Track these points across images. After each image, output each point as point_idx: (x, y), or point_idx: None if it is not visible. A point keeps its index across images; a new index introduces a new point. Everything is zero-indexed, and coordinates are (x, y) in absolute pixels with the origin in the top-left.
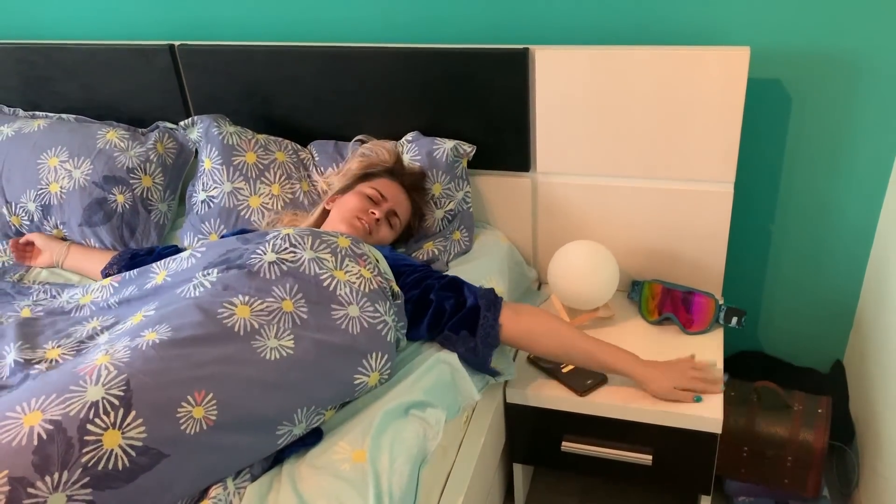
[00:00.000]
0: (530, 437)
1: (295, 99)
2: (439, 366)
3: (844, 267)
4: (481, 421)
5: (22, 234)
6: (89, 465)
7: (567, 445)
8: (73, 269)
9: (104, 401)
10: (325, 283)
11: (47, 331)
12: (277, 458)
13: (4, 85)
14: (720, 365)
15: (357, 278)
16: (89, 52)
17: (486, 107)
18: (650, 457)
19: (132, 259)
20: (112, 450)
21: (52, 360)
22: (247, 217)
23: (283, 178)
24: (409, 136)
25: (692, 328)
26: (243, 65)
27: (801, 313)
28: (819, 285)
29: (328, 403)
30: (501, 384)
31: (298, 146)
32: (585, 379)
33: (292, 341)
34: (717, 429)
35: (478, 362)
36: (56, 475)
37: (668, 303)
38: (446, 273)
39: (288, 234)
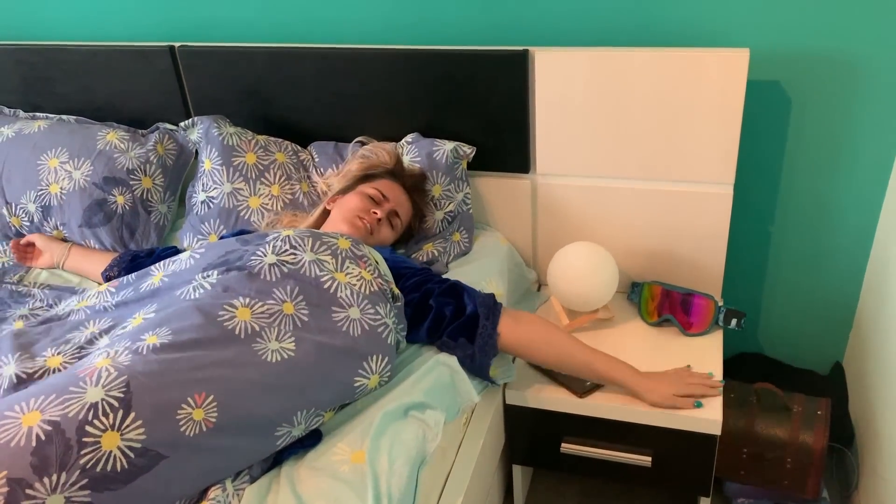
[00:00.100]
0: (530, 438)
1: (295, 100)
2: (439, 367)
3: (844, 268)
4: (481, 422)
5: (22, 235)
6: (87, 466)
7: (566, 447)
8: (73, 270)
9: (104, 402)
10: (326, 286)
11: (43, 339)
12: (276, 460)
13: (5, 86)
14: (719, 367)
15: (358, 280)
16: (90, 53)
17: (485, 108)
18: (649, 458)
19: (132, 261)
20: (111, 451)
21: (54, 369)
22: (246, 217)
23: (282, 178)
24: (408, 138)
25: (692, 330)
26: (243, 66)
27: (801, 315)
28: (819, 287)
29: (328, 405)
30: (501, 385)
31: (298, 147)
32: (584, 380)
33: (293, 343)
34: (716, 430)
35: (476, 369)
36: (54, 477)
37: (667, 304)
38: (446, 277)
39: (288, 236)
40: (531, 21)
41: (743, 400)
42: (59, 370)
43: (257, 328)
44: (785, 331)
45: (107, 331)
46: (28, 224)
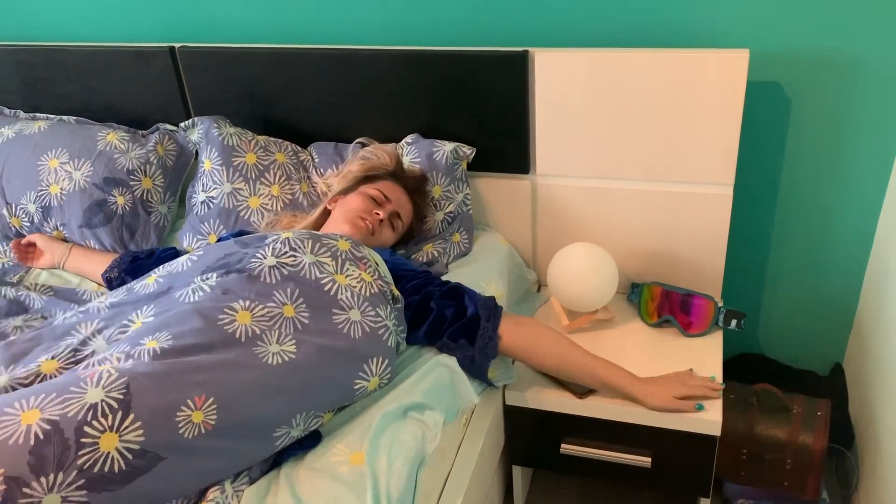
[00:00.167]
0: (529, 439)
1: (295, 101)
2: (438, 368)
3: (844, 269)
4: (480, 423)
5: (22, 236)
6: (85, 467)
7: (566, 448)
8: (73, 270)
9: (103, 403)
10: (326, 288)
11: (35, 349)
12: (275, 461)
13: (5, 87)
14: (719, 367)
15: (358, 282)
16: (90, 54)
17: (485, 109)
18: (649, 459)
19: (133, 262)
20: (109, 452)
21: (50, 375)
22: (246, 218)
23: (282, 178)
24: (408, 139)
25: (691, 330)
26: (243, 66)
27: (801, 316)
28: (819, 288)
29: (327, 407)
30: (500, 387)
31: (298, 147)
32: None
33: (294, 346)
34: (716, 431)
35: (475, 371)
36: (52, 476)
37: (667, 305)
38: (447, 280)
39: (287, 238)
40: (531, 22)
41: (743, 401)
42: (55, 375)
43: (258, 331)
44: (785, 331)
45: (100, 331)
46: (28, 224)
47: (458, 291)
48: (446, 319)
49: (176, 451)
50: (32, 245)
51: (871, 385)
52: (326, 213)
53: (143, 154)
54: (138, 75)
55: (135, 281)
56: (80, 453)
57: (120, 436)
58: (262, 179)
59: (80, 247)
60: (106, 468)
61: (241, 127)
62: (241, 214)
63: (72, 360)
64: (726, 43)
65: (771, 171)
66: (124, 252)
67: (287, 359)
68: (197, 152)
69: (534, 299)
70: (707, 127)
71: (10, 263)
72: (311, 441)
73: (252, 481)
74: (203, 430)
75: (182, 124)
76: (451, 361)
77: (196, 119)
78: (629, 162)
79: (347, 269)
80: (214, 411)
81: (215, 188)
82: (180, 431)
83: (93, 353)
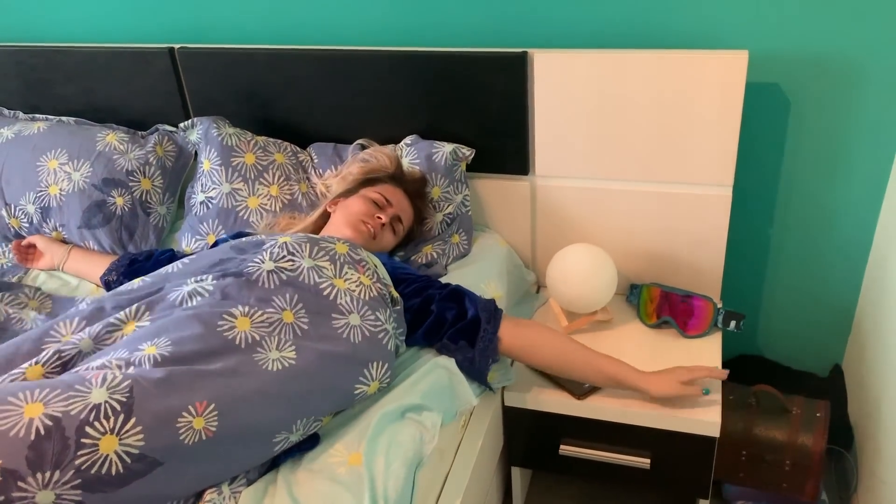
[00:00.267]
0: (528, 440)
1: (294, 101)
2: (437, 370)
3: (843, 270)
4: (479, 424)
5: (21, 237)
6: (83, 467)
7: (565, 449)
8: (72, 272)
9: (106, 404)
10: (326, 293)
11: (15, 357)
12: (273, 462)
13: (5, 87)
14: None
15: (357, 286)
16: (89, 54)
17: (484, 110)
18: (648, 460)
19: (130, 265)
20: (108, 455)
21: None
22: (245, 218)
23: (281, 179)
24: (407, 140)
25: (690, 332)
26: (242, 67)
27: (800, 317)
28: (818, 289)
29: (327, 412)
30: (499, 389)
31: (297, 148)
32: (583, 383)
33: (294, 352)
34: (715, 432)
35: (474, 373)
36: (48, 474)
37: (666, 306)
38: (447, 283)
39: (285, 243)
40: (530, 23)
41: (742, 402)
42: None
43: (257, 338)
44: (784, 333)
45: (82, 328)
46: (27, 225)
47: (459, 294)
48: (447, 321)
49: (175, 456)
50: (32, 246)
51: (871, 386)
52: (326, 216)
53: (142, 155)
54: (138, 76)
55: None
56: (79, 453)
57: (120, 439)
58: (261, 180)
59: (80, 249)
60: (103, 470)
61: (241, 128)
62: (240, 215)
63: (57, 363)
64: (725, 44)
65: (770, 173)
66: (122, 255)
67: (287, 365)
68: (196, 153)
69: (533, 300)
70: (706, 128)
71: (9, 264)
72: (309, 443)
73: (250, 482)
74: (204, 437)
75: (181, 125)
76: (449, 363)
77: (195, 119)
78: (628, 163)
79: (346, 272)
80: (216, 418)
81: (214, 188)
82: (181, 437)
83: (79, 352)
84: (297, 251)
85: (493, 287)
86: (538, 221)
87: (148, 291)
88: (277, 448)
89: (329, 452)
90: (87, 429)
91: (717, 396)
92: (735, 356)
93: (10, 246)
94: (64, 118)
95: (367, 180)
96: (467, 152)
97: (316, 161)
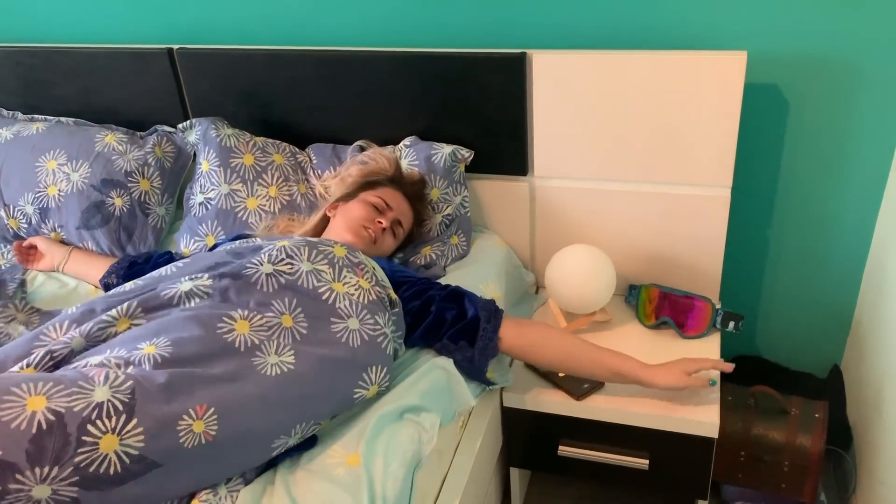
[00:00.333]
0: (527, 441)
1: (293, 102)
2: (435, 371)
3: (842, 271)
4: (478, 425)
5: (20, 238)
6: (82, 465)
7: (564, 449)
8: (72, 273)
9: (109, 403)
10: (324, 297)
11: (6, 364)
12: (271, 462)
13: (4, 88)
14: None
15: (356, 290)
16: (88, 55)
17: (483, 111)
18: (647, 461)
19: (130, 268)
20: (107, 454)
21: None
22: (244, 219)
23: (280, 180)
24: (406, 141)
25: (689, 332)
26: (241, 68)
27: (799, 318)
28: (816, 290)
29: (326, 416)
30: (498, 389)
31: (296, 149)
32: (582, 383)
33: (293, 356)
34: (713, 433)
35: (473, 371)
36: (46, 469)
37: (665, 307)
38: (447, 284)
39: (284, 246)
40: (529, 24)
41: (740, 403)
42: None
43: (256, 342)
44: (783, 333)
45: (72, 328)
46: (26, 226)
47: (459, 294)
48: (446, 322)
49: (174, 459)
50: (33, 247)
51: (869, 387)
52: (326, 220)
53: (141, 156)
54: (137, 77)
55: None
56: (79, 451)
57: (121, 439)
58: (260, 181)
59: (81, 251)
60: (102, 469)
61: (240, 129)
62: (239, 216)
63: (50, 363)
64: (724, 45)
65: (769, 173)
66: (122, 257)
67: (286, 370)
68: (195, 154)
69: (531, 301)
70: (705, 129)
71: (7, 265)
72: (307, 443)
73: (247, 482)
74: (203, 441)
75: (180, 126)
76: (447, 364)
77: (194, 120)
78: (627, 164)
79: (345, 276)
80: (215, 422)
81: (213, 189)
82: (181, 441)
83: (71, 351)
84: (296, 255)
85: (492, 288)
86: (537, 222)
87: (140, 292)
88: (276, 452)
89: (327, 453)
90: (89, 426)
91: (715, 397)
92: (734, 357)
93: (9, 247)
94: (63, 119)
95: (367, 183)
96: (466, 154)
97: (315, 162)
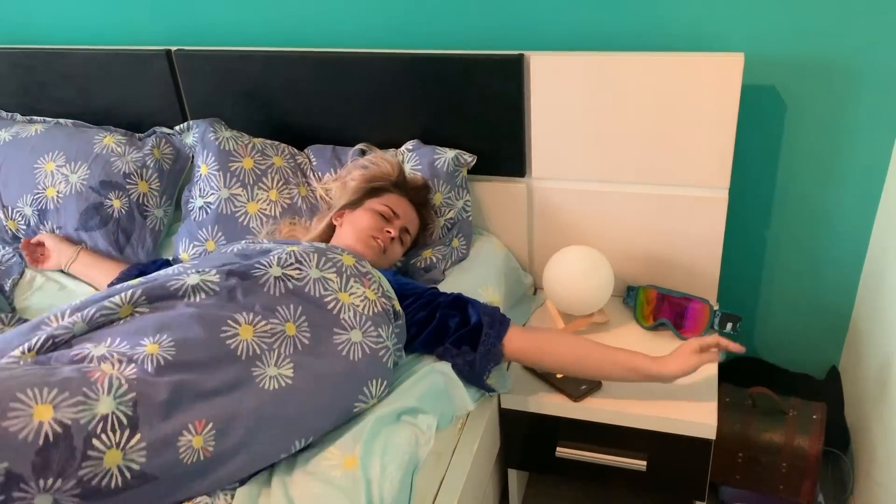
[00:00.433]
0: (525, 442)
1: (292, 104)
2: (433, 374)
3: (840, 272)
4: (476, 426)
5: (19, 239)
6: (85, 478)
7: (562, 451)
8: (79, 275)
9: (113, 416)
10: (329, 307)
11: (4, 348)
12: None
13: (2, 90)
14: (715, 371)
15: (361, 301)
16: (87, 57)
17: (481, 112)
18: (644, 462)
19: (140, 275)
20: (110, 469)
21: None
22: (245, 223)
23: (280, 183)
24: (409, 145)
25: (687, 334)
26: (240, 70)
27: (797, 319)
28: (814, 291)
29: (326, 430)
30: (496, 394)
31: (295, 150)
32: (580, 384)
33: (292, 370)
34: (711, 435)
35: (473, 376)
36: (50, 480)
37: (662, 308)
38: (451, 292)
39: (293, 251)
40: (527, 25)
41: (738, 404)
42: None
43: (258, 350)
44: (781, 335)
45: (73, 313)
46: (24, 227)
47: (462, 301)
48: (450, 329)
49: (171, 473)
50: (42, 245)
51: (867, 388)
52: (331, 227)
53: (139, 157)
54: (135, 78)
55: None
56: (83, 464)
57: (124, 455)
58: (260, 184)
59: (89, 252)
60: (104, 483)
61: (238, 130)
62: (240, 220)
63: (51, 347)
64: (721, 46)
65: (766, 175)
66: (132, 265)
67: (284, 384)
68: (193, 156)
69: (529, 302)
70: (702, 130)
71: (4, 267)
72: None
73: (242, 482)
74: (202, 457)
75: (177, 127)
76: (446, 367)
77: (191, 122)
78: (625, 165)
79: (351, 286)
80: (213, 437)
81: (212, 194)
82: (181, 457)
83: (73, 336)
84: (305, 260)
85: (491, 291)
86: (535, 223)
87: (145, 283)
88: (277, 463)
89: (324, 455)
90: (94, 441)
91: (713, 399)
92: (731, 358)
93: (8, 248)
94: (61, 120)
95: (372, 190)
96: (469, 158)
97: (315, 164)
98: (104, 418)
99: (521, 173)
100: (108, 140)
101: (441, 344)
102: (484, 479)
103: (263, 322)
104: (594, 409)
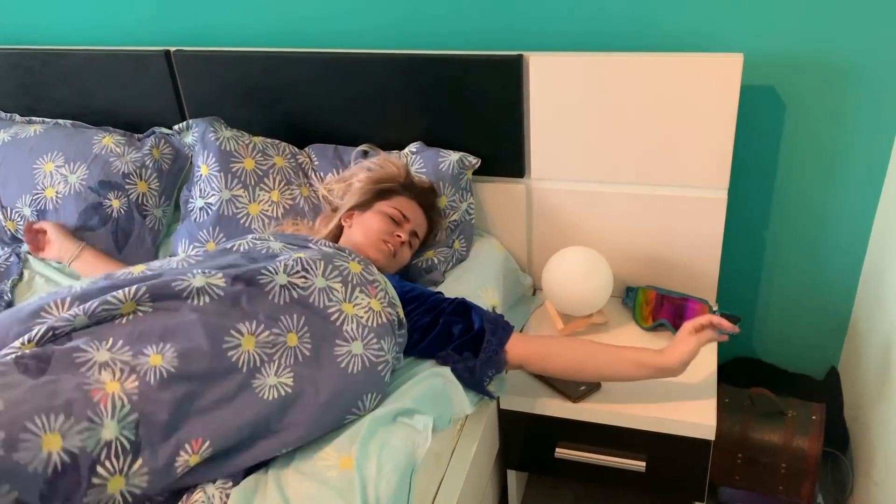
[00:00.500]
0: (524, 443)
1: (290, 105)
2: (432, 377)
3: (839, 273)
4: (475, 427)
5: (18, 240)
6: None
7: (561, 452)
8: (81, 272)
9: (117, 442)
10: (333, 318)
11: (6, 341)
12: (262, 462)
13: (1, 90)
14: (714, 371)
15: (366, 312)
16: (86, 57)
17: (480, 113)
18: (644, 463)
19: None
20: (113, 494)
21: (15, 356)
22: (247, 225)
23: (282, 184)
24: (412, 147)
25: None
26: (239, 70)
27: (796, 319)
28: (814, 291)
29: (314, 437)
30: (495, 399)
31: (296, 149)
32: (579, 385)
33: (291, 379)
34: (710, 435)
35: (473, 382)
36: None
37: (662, 309)
38: (455, 297)
39: (300, 258)
40: (525, 26)
41: (738, 405)
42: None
43: (258, 362)
44: (780, 335)
45: (74, 304)
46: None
47: (466, 308)
48: (453, 335)
49: (167, 489)
50: (43, 232)
51: (867, 389)
52: (339, 228)
53: (138, 158)
54: (134, 79)
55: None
56: (88, 492)
57: (127, 480)
58: (262, 185)
59: (92, 250)
60: None
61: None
62: (241, 222)
63: (51, 339)
64: (721, 47)
65: (765, 175)
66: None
67: (283, 393)
68: (192, 156)
69: (528, 303)
70: (701, 131)
71: (2, 268)
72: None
73: (235, 482)
74: (196, 470)
75: (176, 127)
76: (444, 370)
77: (191, 121)
78: (624, 166)
79: (357, 296)
80: (210, 451)
81: (213, 195)
82: (177, 475)
83: (74, 329)
84: (311, 268)
85: (490, 292)
86: (534, 224)
87: (149, 279)
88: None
89: (320, 455)
90: (99, 468)
91: (712, 399)
92: (731, 359)
93: (7, 249)
94: (60, 121)
95: (381, 192)
96: (473, 161)
97: (316, 163)
98: (108, 444)
99: (520, 174)
100: (108, 140)
101: (443, 349)
102: (483, 480)
103: (266, 332)
104: (593, 410)
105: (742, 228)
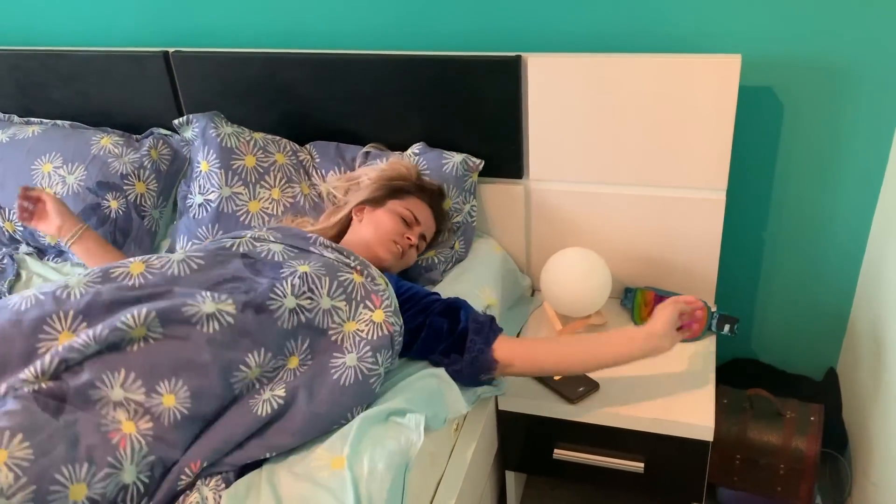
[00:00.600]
0: (522, 444)
1: (289, 105)
2: (426, 378)
3: (838, 274)
4: (473, 428)
5: (16, 241)
6: None
7: (559, 453)
8: (80, 255)
9: (134, 486)
10: (333, 338)
11: (11, 359)
12: (256, 462)
13: (0, 91)
14: (712, 372)
15: (366, 325)
16: (84, 58)
17: (479, 113)
18: (642, 464)
19: None
20: None
21: (31, 390)
22: (247, 223)
23: (283, 181)
24: (415, 148)
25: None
26: (237, 71)
27: (795, 321)
28: (812, 292)
29: (299, 443)
30: (493, 396)
31: (297, 146)
32: (577, 386)
33: (284, 391)
34: (708, 436)
35: (464, 382)
36: None
37: None
38: (448, 297)
39: (306, 273)
40: (524, 26)
41: (736, 406)
42: (42, 387)
43: (257, 385)
44: (778, 336)
45: (80, 327)
46: (21, 229)
47: (455, 308)
48: (440, 335)
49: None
50: (41, 202)
51: (865, 390)
52: (348, 218)
53: (136, 158)
54: (132, 80)
55: (111, 264)
56: None
57: None
58: (262, 183)
59: (93, 233)
60: None
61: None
62: (241, 219)
63: (64, 370)
64: (719, 48)
65: (764, 176)
66: None
67: (276, 406)
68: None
69: (527, 304)
70: (700, 132)
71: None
72: None
73: (228, 483)
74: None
75: (176, 121)
76: (439, 371)
77: (191, 116)
78: (622, 167)
79: (360, 313)
80: (203, 466)
81: (213, 192)
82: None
83: (85, 358)
84: (317, 287)
85: (488, 293)
86: (533, 225)
87: (152, 292)
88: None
89: (311, 456)
90: None
91: (710, 400)
92: (729, 360)
93: (5, 250)
94: (59, 122)
95: (394, 190)
96: (477, 162)
97: (318, 161)
98: (125, 488)
99: (518, 175)
100: (106, 141)
101: (433, 350)
102: (481, 481)
103: (272, 361)
104: (591, 411)
105: (741, 229)
